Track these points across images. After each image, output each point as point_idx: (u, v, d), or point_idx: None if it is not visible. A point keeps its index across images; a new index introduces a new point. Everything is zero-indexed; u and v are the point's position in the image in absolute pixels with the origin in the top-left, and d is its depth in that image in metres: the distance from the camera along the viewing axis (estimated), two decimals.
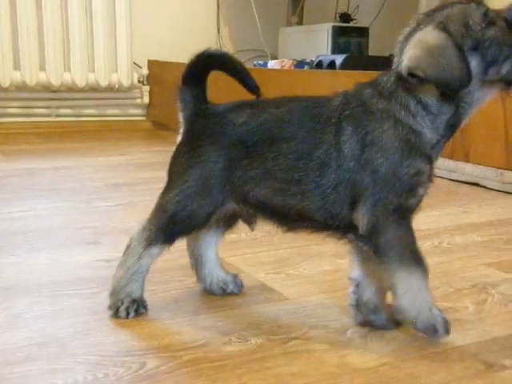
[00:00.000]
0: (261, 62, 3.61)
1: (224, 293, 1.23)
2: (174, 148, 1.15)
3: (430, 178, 1.01)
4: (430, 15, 0.99)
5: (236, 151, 1.06)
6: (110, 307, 1.12)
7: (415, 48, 0.95)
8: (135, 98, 4.07)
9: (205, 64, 1.13)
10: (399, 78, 0.99)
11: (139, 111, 4.12)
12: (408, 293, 0.99)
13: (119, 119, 4.06)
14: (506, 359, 0.97)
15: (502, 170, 2.23)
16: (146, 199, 2.07)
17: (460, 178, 2.37)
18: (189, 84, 1.13)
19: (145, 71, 4.00)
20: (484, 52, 0.95)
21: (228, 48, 4.29)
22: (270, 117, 1.06)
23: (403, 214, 0.99)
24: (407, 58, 0.95)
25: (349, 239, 1.05)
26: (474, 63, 0.94)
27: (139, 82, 4.00)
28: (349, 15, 3.84)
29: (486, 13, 0.95)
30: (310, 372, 0.93)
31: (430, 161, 1.00)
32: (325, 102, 1.05)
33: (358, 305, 1.09)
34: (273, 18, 4.17)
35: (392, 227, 0.98)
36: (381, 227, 0.98)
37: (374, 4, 3.73)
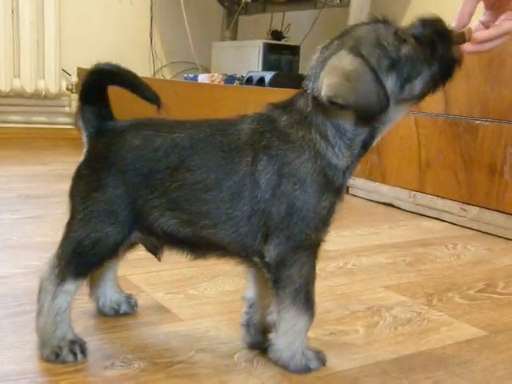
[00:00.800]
0: (191, 76, 3.60)
1: (117, 314, 1.20)
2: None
3: (341, 198, 1.00)
4: (339, 38, 0.97)
5: (134, 177, 0.99)
6: (47, 357, 1.00)
7: (332, 75, 0.92)
8: (63, 106, 3.98)
9: (99, 80, 1.06)
10: (317, 104, 0.96)
11: (67, 119, 4.03)
12: (289, 333, 0.99)
13: (46, 127, 3.96)
14: None
15: (414, 192, 2.30)
16: (57, 213, 2.02)
17: (378, 199, 2.43)
18: (88, 102, 1.06)
19: (74, 79, 3.92)
20: (399, 70, 0.94)
21: (161, 59, 4.27)
22: (166, 142, 1.00)
23: (313, 248, 0.99)
24: (326, 86, 0.92)
25: (253, 263, 1.02)
26: (391, 83, 0.94)
27: (68, 89, 3.92)
28: (280, 33, 3.88)
29: (397, 31, 0.95)
30: None
31: (341, 190, 0.99)
32: (232, 129, 1.00)
33: (248, 325, 1.09)
34: (206, 31, 4.18)
35: (298, 263, 0.97)
36: (288, 261, 0.96)
37: (305, 23, 3.79)
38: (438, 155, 2.21)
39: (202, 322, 1.21)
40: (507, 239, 1.96)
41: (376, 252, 1.77)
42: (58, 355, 1.00)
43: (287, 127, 0.97)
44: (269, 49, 3.63)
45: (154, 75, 4.19)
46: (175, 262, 1.55)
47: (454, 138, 2.13)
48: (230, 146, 0.98)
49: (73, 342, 1.01)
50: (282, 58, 3.69)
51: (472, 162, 2.08)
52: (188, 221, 0.99)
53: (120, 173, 1.00)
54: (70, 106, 3.98)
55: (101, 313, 1.20)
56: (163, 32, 4.24)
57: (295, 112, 0.98)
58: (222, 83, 3.39)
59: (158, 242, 1.05)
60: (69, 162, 3.15)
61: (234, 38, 4.11)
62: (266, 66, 3.59)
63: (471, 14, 1.09)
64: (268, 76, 3.24)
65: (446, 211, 2.18)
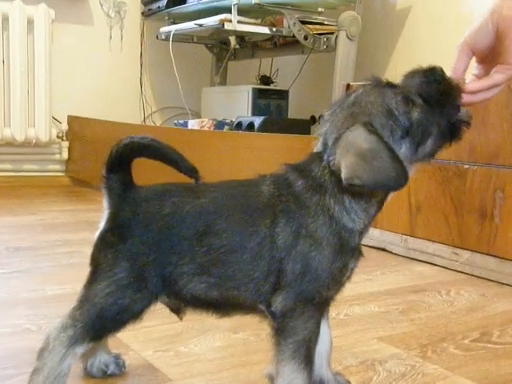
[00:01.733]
0: (181, 121, 3.62)
1: (104, 375, 1.17)
2: (95, 236, 1.05)
3: (358, 259, 1.02)
4: (349, 107, 0.97)
5: (164, 245, 1.00)
6: None
7: (348, 154, 0.93)
8: (54, 154, 3.99)
9: (131, 153, 1.05)
10: (333, 175, 0.97)
11: (57, 167, 4.03)
12: None
13: (36, 174, 3.95)
14: None
15: (406, 236, 2.29)
16: (46, 265, 2.00)
17: (369, 243, 2.42)
18: (114, 171, 1.05)
19: (64, 126, 3.94)
20: (413, 135, 0.95)
21: (151, 105, 4.30)
22: (194, 208, 1.01)
23: (321, 305, 1.00)
24: (344, 168, 0.93)
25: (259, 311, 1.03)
26: (405, 148, 0.95)
27: (58, 137, 3.92)
28: (269, 78, 3.93)
29: (405, 96, 0.96)
30: None
31: (355, 250, 1.00)
32: (252, 191, 1.02)
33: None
34: (196, 77, 4.23)
35: (304, 316, 0.97)
36: (295, 313, 0.97)
37: (293, 68, 3.84)
38: (428, 199, 2.21)
39: (192, 381, 1.18)
40: (500, 283, 1.95)
41: (369, 300, 1.75)
42: None
43: (302, 192, 0.99)
44: (258, 93, 3.68)
45: (144, 121, 4.22)
46: (165, 317, 1.52)
47: (444, 183, 2.14)
48: (250, 209, 1.00)
49: None
50: (271, 103, 3.74)
51: (462, 206, 2.08)
52: (215, 284, 1.00)
53: (151, 241, 1.01)
54: (60, 153, 3.98)
55: (88, 374, 1.17)
56: (153, 78, 4.29)
57: (311, 178, 1.00)
58: (212, 129, 3.41)
59: (184, 305, 1.06)
60: (58, 212, 3.16)
61: (223, 83, 4.15)
62: (256, 111, 3.63)
63: (465, 70, 1.12)
64: (257, 121, 3.27)
65: (437, 255, 2.17)
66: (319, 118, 3.86)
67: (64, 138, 3.96)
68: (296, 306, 0.97)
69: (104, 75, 4.10)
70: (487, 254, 2.00)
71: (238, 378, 1.20)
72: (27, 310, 1.55)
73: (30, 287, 1.75)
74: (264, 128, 3.21)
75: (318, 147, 1.02)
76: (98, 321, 1.00)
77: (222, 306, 1.04)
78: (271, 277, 0.98)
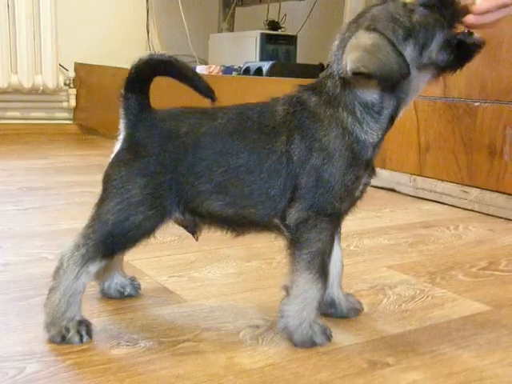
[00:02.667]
0: None
1: (122, 296, 1.21)
2: (110, 155, 1.07)
3: (371, 175, 1.05)
4: (354, 22, 1.02)
5: (181, 164, 1.02)
6: (53, 338, 1.00)
7: (354, 51, 0.97)
8: (61, 101, 3.98)
9: (151, 70, 1.06)
10: (343, 83, 1.00)
11: (65, 114, 4.03)
12: (299, 298, 1.01)
13: (44, 122, 3.96)
14: (389, 357, 0.99)
15: (415, 176, 2.30)
16: (59, 203, 2.03)
17: (378, 184, 2.42)
18: (132, 90, 1.06)
19: (71, 74, 3.92)
20: (415, 37, 0.98)
21: (158, 52, 4.25)
22: (211, 129, 1.03)
23: (335, 217, 1.02)
24: (349, 60, 0.97)
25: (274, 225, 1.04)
26: (409, 49, 0.98)
27: (65, 84, 3.91)
28: (277, 23, 3.88)
29: (405, 4, 1.00)
30: (195, 373, 0.92)
31: (369, 164, 1.03)
32: (266, 111, 1.04)
33: None
34: (203, 23, 4.17)
35: (318, 228, 1.00)
36: (309, 224, 1.00)
37: (302, 13, 3.78)
38: (437, 138, 2.20)
39: (206, 302, 1.21)
40: (509, 220, 1.96)
41: (378, 234, 1.77)
42: (64, 337, 1.00)
43: (316, 107, 1.02)
44: (266, 39, 3.63)
45: None
46: (178, 248, 1.56)
47: (454, 121, 2.13)
48: (266, 128, 1.03)
49: (80, 323, 1.02)
50: (279, 48, 3.69)
51: (472, 144, 2.08)
52: (232, 202, 1.03)
53: (167, 160, 1.02)
54: (67, 100, 3.97)
55: (105, 295, 1.21)
56: (160, 25, 4.23)
57: (324, 93, 1.03)
58: (220, 74, 3.38)
59: (200, 222, 1.08)
60: (68, 156, 3.17)
61: (230, 29, 4.10)
62: (264, 57, 3.59)
63: None
64: (265, 66, 3.24)
65: (446, 194, 2.18)
66: (327, 65, 3.83)
67: (71, 85, 3.94)
68: (309, 216, 0.99)
69: (110, 21, 4.04)
70: (496, 192, 2.01)
71: (251, 300, 1.23)
72: (43, 241, 1.59)
73: (44, 222, 1.78)
74: (272, 73, 3.18)
75: (330, 67, 1.03)
76: (109, 237, 1.01)
77: (237, 224, 1.06)
78: (287, 193, 1.00)
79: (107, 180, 1.04)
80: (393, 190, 2.38)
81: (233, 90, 3.06)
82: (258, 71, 3.27)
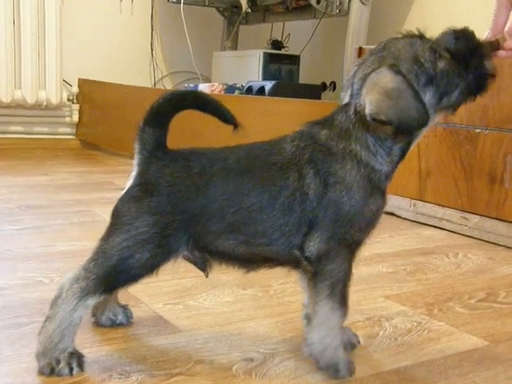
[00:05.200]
0: (191, 85, 3.61)
1: (113, 324, 1.20)
2: (122, 191, 1.06)
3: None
4: (377, 53, 1.01)
5: (192, 205, 1.01)
6: (42, 369, 0.98)
7: (374, 92, 0.96)
8: (64, 117, 3.98)
9: (176, 104, 1.05)
10: (358, 118, 1.00)
11: (68, 130, 4.03)
12: (322, 326, 1.01)
13: (47, 137, 3.96)
14: None
15: (415, 201, 2.29)
16: (57, 223, 2.02)
17: None
18: (151, 125, 1.05)
19: (75, 89, 3.93)
20: (437, 84, 0.99)
21: (161, 69, 4.28)
22: (222, 169, 1.02)
23: (354, 247, 1.02)
24: (369, 102, 0.96)
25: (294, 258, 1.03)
26: (429, 96, 0.99)
27: (69, 100, 3.92)
28: (280, 42, 3.90)
29: (432, 47, 1.00)
30: None
31: (384, 193, 1.03)
32: (277, 149, 1.04)
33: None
34: (207, 41, 4.19)
35: (340, 259, 1.00)
36: (331, 257, 0.99)
37: (305, 33, 3.80)
38: (438, 164, 2.20)
39: (200, 333, 1.20)
40: (508, 248, 1.95)
41: (376, 261, 1.76)
42: (53, 369, 0.98)
43: (328, 141, 1.02)
44: (269, 58, 3.65)
45: (154, 85, 4.20)
46: (174, 273, 1.55)
47: (454, 147, 2.13)
48: (276, 165, 1.02)
49: (71, 355, 1.00)
50: (281, 68, 3.71)
51: (472, 171, 2.08)
52: (245, 241, 1.02)
53: (178, 200, 1.01)
54: (70, 116, 3.98)
55: (97, 323, 1.20)
56: (164, 42, 4.25)
57: (335, 126, 1.03)
58: (223, 93, 3.39)
59: (210, 259, 1.07)
60: (69, 173, 3.17)
61: (234, 47, 4.12)
62: (266, 76, 3.60)
63: (505, 22, 1.14)
64: (268, 85, 3.25)
65: (446, 220, 2.17)
66: (330, 84, 3.84)
67: (74, 100, 3.96)
68: (330, 248, 0.99)
69: (114, 38, 4.07)
70: (496, 219, 2.00)
71: (246, 331, 1.22)
72: (39, 263, 1.58)
73: (41, 243, 1.77)
74: (275, 92, 3.19)
75: (344, 100, 1.04)
76: (112, 273, 1.01)
77: (249, 261, 1.06)
78: (303, 227, 1.00)
79: (116, 215, 1.04)
80: (393, 214, 2.37)
81: (235, 110, 3.06)
82: (261, 90, 3.28)
